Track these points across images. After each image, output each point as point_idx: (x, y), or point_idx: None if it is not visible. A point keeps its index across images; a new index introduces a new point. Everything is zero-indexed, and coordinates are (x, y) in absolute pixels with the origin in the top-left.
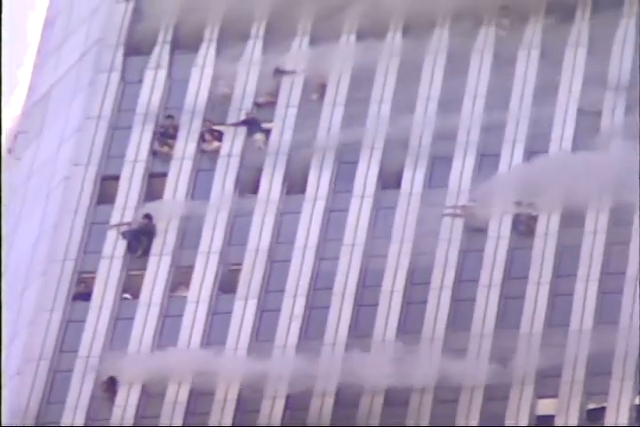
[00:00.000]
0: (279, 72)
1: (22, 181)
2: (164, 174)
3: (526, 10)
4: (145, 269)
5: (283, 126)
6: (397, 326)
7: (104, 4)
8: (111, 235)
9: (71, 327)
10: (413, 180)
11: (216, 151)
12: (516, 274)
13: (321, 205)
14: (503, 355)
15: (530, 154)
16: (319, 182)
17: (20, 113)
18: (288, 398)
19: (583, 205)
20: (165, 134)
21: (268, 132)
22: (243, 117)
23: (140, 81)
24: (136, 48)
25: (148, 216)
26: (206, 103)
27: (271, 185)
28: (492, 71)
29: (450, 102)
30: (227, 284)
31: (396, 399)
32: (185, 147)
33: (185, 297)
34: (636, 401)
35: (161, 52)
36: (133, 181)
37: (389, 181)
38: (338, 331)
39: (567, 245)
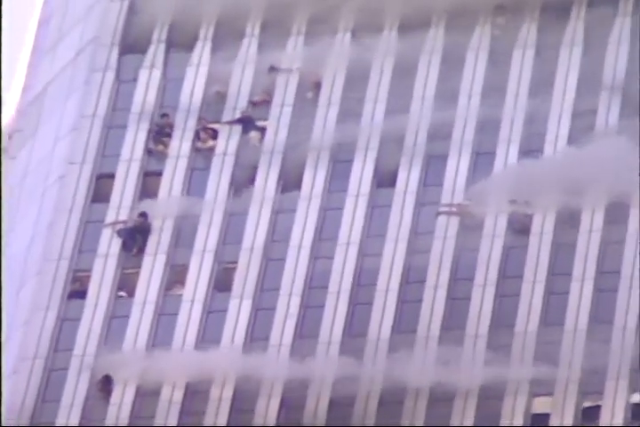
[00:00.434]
0: (274, 71)
1: (17, 180)
2: (159, 173)
3: (521, 9)
4: (140, 268)
5: (278, 125)
6: (392, 324)
7: (99, 2)
8: (106, 233)
9: (66, 326)
10: (408, 178)
11: (211, 150)
12: (511, 273)
13: (316, 204)
14: (498, 354)
15: (525, 153)
16: (314, 181)
17: (16, 112)
18: (283, 397)
19: (578, 204)
20: (160, 133)
21: (262, 130)
22: (238, 116)
23: (135, 80)
24: (131, 47)
25: (143, 215)
26: (201, 102)
27: (266, 183)
28: (488, 70)
29: (445, 101)
30: (222, 282)
31: (390, 399)
32: (180, 145)
33: (180, 296)
34: (632, 400)
35: (156, 51)
36: (128, 180)
37: (384, 179)
38: (333, 330)
39: (562, 243)
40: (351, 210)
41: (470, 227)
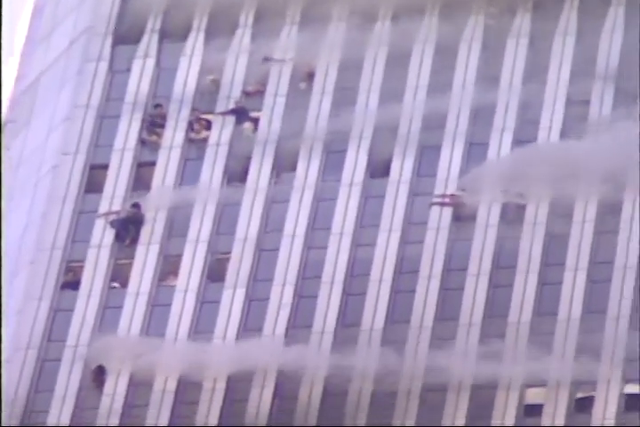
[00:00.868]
0: (268, 61)
1: (11, 171)
2: (153, 163)
3: None
4: (133, 258)
5: (271, 115)
6: (386, 315)
7: None
8: (99, 224)
9: (59, 316)
10: (402, 168)
11: (204, 140)
12: (504, 263)
13: (309, 194)
14: (491, 344)
15: (518, 142)
16: (308, 171)
17: (9, 102)
18: (276, 387)
19: (572, 195)
20: (154, 123)
21: (256, 120)
22: (231, 106)
23: (129, 70)
24: (124, 37)
25: (136, 205)
26: (195, 92)
27: (260, 174)
28: (481, 60)
29: (438, 91)
30: (215, 273)
31: (384, 388)
32: (173, 136)
33: (173, 286)
34: (625, 390)
35: (149, 41)
36: (122, 170)
37: (378, 169)
38: (326, 320)
39: (556, 234)
40: (344, 200)
41: (463, 217)
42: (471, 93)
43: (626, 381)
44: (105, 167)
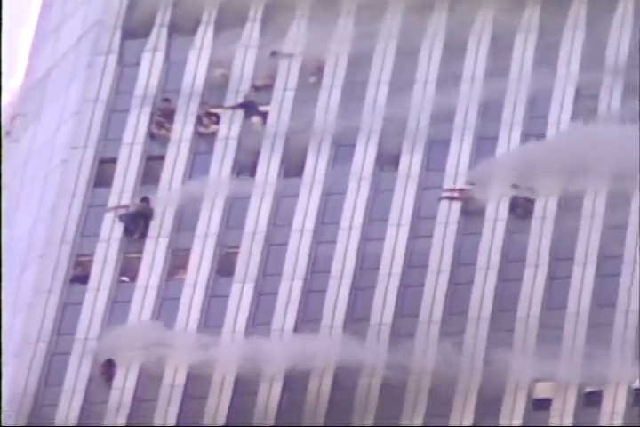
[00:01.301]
0: (277, 55)
1: (20, 164)
2: (162, 157)
3: None
4: (142, 252)
5: (280, 109)
6: (395, 309)
7: None
8: (108, 218)
9: (69, 310)
10: (411, 163)
11: (213, 134)
12: (513, 257)
13: (318, 189)
14: (501, 337)
15: (527, 137)
16: (316, 165)
17: (19, 96)
18: (285, 380)
19: (581, 189)
20: (163, 117)
21: (265, 114)
22: (240, 100)
23: (138, 64)
24: (134, 31)
25: (145, 199)
26: (204, 86)
27: (269, 168)
28: (490, 54)
29: (447, 85)
30: (224, 267)
31: (393, 382)
32: (182, 130)
33: (182, 280)
34: (634, 385)
35: (158, 35)
36: (131, 164)
37: (387, 164)
38: (335, 314)
39: (565, 228)
40: (354, 194)
41: (472, 211)
42: (480, 88)
43: (635, 375)
44: (114, 161)
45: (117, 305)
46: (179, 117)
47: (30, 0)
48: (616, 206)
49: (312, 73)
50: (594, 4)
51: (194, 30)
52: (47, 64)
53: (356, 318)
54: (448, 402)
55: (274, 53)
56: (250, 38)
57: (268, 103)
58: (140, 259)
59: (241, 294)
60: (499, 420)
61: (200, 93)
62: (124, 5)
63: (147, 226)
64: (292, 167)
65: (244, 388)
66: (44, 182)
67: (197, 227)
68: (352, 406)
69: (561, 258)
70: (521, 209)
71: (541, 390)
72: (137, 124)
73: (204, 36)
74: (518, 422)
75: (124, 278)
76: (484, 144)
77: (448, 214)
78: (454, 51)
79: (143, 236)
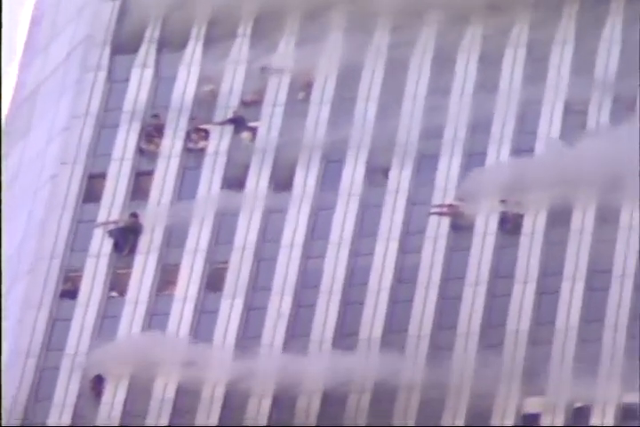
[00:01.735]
0: (266, 71)
1: (9, 179)
2: (151, 173)
3: (513, 8)
4: (132, 268)
5: (269, 125)
6: (384, 324)
7: (91, 2)
8: (98, 233)
9: (58, 325)
10: (400, 178)
11: (203, 150)
12: (502, 272)
13: (308, 204)
14: (490, 353)
15: (516, 152)
16: (306, 180)
17: (8, 111)
18: (275, 396)
19: (569, 203)
20: (152, 133)
21: (254, 130)
22: (229, 116)
23: (127, 79)
24: (123, 47)
25: (134, 214)
26: (193, 101)
27: (258, 183)
28: (479, 70)
29: (437, 101)
30: (213, 282)
31: (382, 398)
32: (172, 145)
33: (172, 295)
34: (623, 400)
35: (148, 51)
36: (120, 180)
37: (376, 179)
38: (325, 329)
39: (554, 243)
40: (343, 209)
41: (462, 226)
42: (469, 103)
43: (624, 390)
44: (103, 177)
45: (107, 320)
46: (168, 133)
47: (20, 16)
48: (605, 221)
49: (301, 88)
50: (583, 18)
51: (183, 46)
52: (36, 80)
53: (346, 333)
54: (437, 417)
55: (263, 69)
56: (239, 54)
57: (257, 119)
58: (129, 274)
59: (230, 309)
60: None
61: (189, 109)
62: (113, 21)
63: (136, 241)
64: (282, 182)
65: (234, 403)
66: (33, 197)
67: (187, 242)
68: (342, 422)
69: (550, 273)
70: (510, 224)
71: (531, 405)
72: (126, 140)
73: (194, 51)
74: None
75: (114, 294)
76: (474, 159)
77: (437, 229)
78: (443, 66)
79: (133, 251)
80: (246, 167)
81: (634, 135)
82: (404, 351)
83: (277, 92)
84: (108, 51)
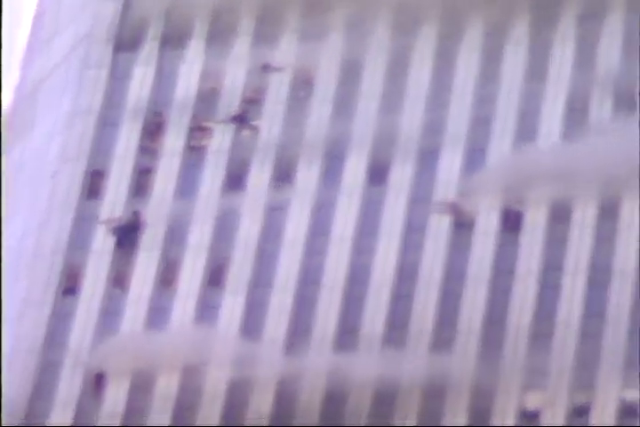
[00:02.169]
0: (267, 68)
1: (11, 176)
2: (153, 170)
3: (513, 5)
4: (134, 264)
5: (271, 122)
6: (385, 320)
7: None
8: (100, 230)
9: (60, 321)
10: (402, 175)
11: (204, 147)
12: (503, 268)
13: (309, 200)
14: (491, 349)
15: (517, 149)
16: (307, 178)
17: (10, 108)
18: (277, 392)
19: (570, 199)
20: (154, 130)
21: (256, 128)
22: (231, 113)
23: (129, 77)
24: (125, 44)
25: (136, 212)
26: (195, 99)
27: (260, 181)
28: (480, 66)
29: (438, 98)
30: (215, 278)
31: (383, 394)
32: (174, 143)
33: (174, 291)
34: (624, 396)
35: (150, 49)
36: (122, 177)
37: (378, 175)
38: (326, 325)
39: (555, 239)
40: (344, 206)
41: (463, 224)
42: (470, 100)
43: (625, 386)
44: (105, 174)
45: (109, 316)
46: (170, 130)
47: (22, 13)
48: (605, 217)
49: (303, 86)
50: (583, 16)
51: (185, 44)
52: (38, 77)
53: (348, 329)
54: (438, 413)
55: (264, 67)
56: (241, 52)
57: (259, 116)
58: (131, 271)
59: (232, 305)
60: None
61: (191, 106)
62: (115, 19)
63: (138, 238)
64: (284, 179)
65: (236, 399)
66: (35, 194)
67: (189, 239)
68: (343, 416)
69: (551, 268)
70: (511, 221)
71: (531, 401)
72: (128, 137)
73: (196, 49)
74: None
75: (116, 290)
76: (475, 156)
77: (439, 226)
78: (445, 63)
79: (135, 248)
80: (248, 165)
81: (635, 131)
82: (405, 346)
83: (279, 90)
84: (110, 48)
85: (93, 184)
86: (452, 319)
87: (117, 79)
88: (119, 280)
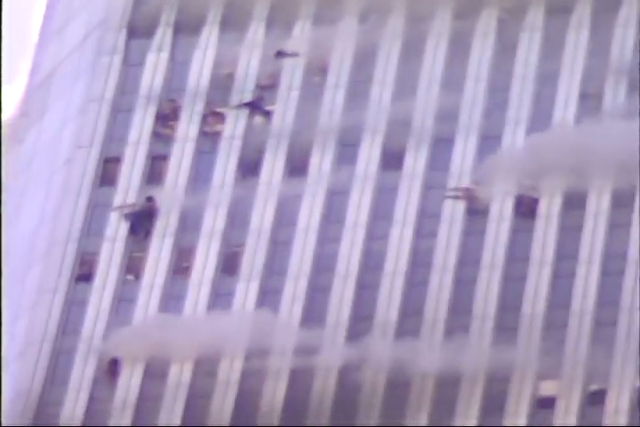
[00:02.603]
0: (281, 55)
1: (25, 164)
2: (167, 156)
3: None
4: (147, 251)
5: (285, 109)
6: (399, 307)
7: None
8: (113, 217)
9: (74, 309)
10: (415, 161)
11: (218, 133)
12: (517, 256)
13: (323, 187)
14: (505, 336)
15: (532, 136)
16: (321, 164)
17: (23, 95)
18: (290, 379)
19: (585, 187)
20: (167, 116)
21: (270, 114)
22: (245, 100)
23: (143, 63)
24: (138, 30)
25: (150, 198)
26: (208, 85)
27: (273, 167)
28: (495, 53)
29: (452, 84)
30: (229, 265)
31: (398, 382)
32: (187, 129)
33: (187, 278)
34: (638, 383)
35: (163, 35)
36: (136, 164)
37: (391, 162)
38: (340, 312)
39: (569, 226)
40: (358, 193)
41: (477, 210)
42: (485, 87)
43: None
44: (119, 160)
45: (123, 304)
46: (183, 117)
47: (35, 0)
48: (620, 205)
49: (316, 73)
50: (598, 3)
51: (199, 30)
52: (52, 64)
53: (361, 317)
54: (452, 401)
55: (279, 53)
56: (255, 38)
57: (272, 103)
58: (145, 257)
59: (246, 293)
60: (503, 419)
61: (205, 93)
62: (128, 5)
63: (152, 225)
64: (297, 166)
65: (249, 386)
66: (48, 181)
67: (202, 226)
68: (357, 406)
69: (565, 256)
70: (525, 207)
71: (546, 389)
72: (142, 124)
73: (209, 35)
74: (523, 421)
75: (129, 277)
76: (489, 143)
77: (452, 213)
78: (459, 50)
79: (148, 234)
80: (262, 151)
81: None
82: (419, 334)
83: (293, 77)
84: (123, 34)
85: (107, 171)
86: (467, 306)
87: (131, 66)
88: (133, 267)
